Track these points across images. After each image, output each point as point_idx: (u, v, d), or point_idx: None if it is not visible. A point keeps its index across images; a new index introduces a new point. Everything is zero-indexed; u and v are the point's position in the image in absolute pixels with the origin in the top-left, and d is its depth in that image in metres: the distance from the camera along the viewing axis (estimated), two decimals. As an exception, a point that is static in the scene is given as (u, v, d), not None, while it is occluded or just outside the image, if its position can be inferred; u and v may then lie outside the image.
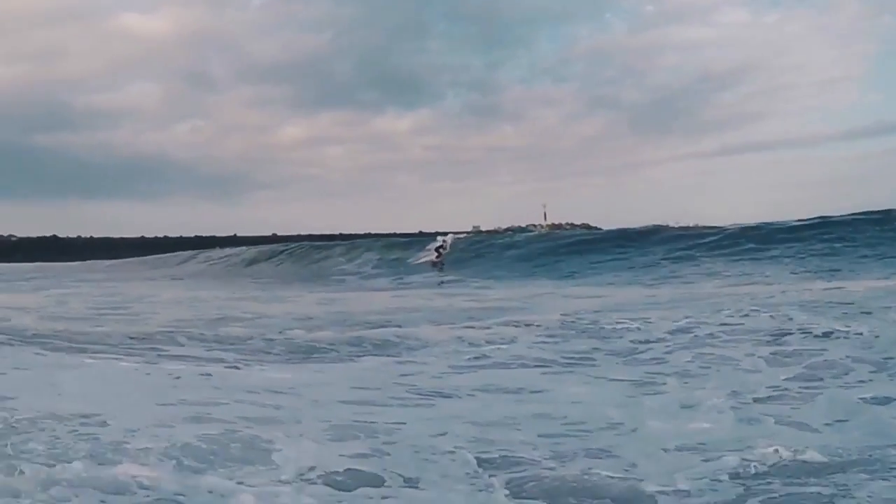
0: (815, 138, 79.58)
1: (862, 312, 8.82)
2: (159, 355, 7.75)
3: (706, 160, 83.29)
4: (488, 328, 9.34)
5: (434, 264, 25.60)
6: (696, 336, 7.93)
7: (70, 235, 41.29)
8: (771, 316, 8.98)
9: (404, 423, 4.48)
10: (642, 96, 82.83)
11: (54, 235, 33.12)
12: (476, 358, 7.32)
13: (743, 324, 8.55)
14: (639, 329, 8.60)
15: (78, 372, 6.53)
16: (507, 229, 42.56)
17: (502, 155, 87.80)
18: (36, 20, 78.37)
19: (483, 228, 44.31)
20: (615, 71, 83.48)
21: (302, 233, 30.65)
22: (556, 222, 42.25)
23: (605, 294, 14.62)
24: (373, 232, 29.54)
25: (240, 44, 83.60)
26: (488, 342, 8.18)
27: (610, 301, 12.91)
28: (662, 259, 20.06)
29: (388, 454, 3.80)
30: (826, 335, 7.49)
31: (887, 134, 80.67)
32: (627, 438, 4.09)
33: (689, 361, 6.61)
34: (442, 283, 21.19)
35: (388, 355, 7.71)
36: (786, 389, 5.35)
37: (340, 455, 3.73)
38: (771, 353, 6.78)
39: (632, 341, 7.90)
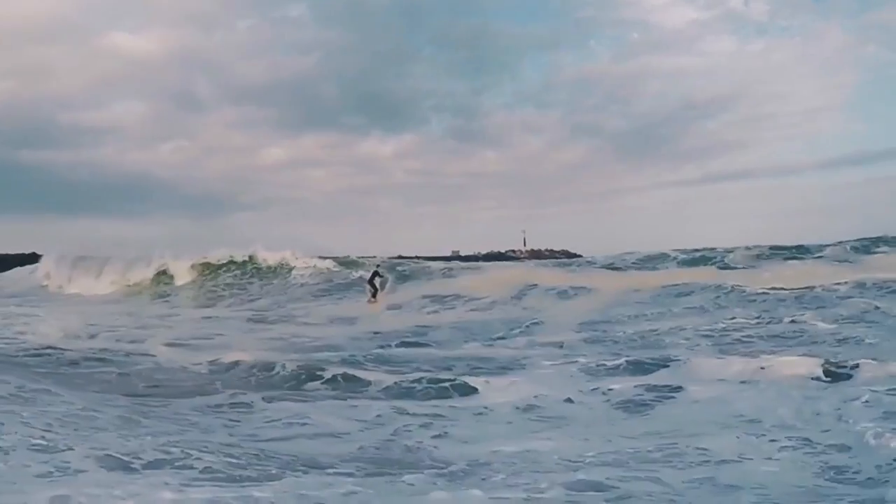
0: (796, 167, 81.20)
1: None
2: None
3: (688, 188, 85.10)
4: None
5: (370, 302, 20.22)
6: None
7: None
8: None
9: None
10: (625, 124, 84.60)
11: (33, 252, 32.55)
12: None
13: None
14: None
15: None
16: (487, 255, 43.43)
17: (485, 180, 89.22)
18: (25, 37, 78.21)
19: (462, 253, 45.14)
20: (598, 98, 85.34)
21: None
22: (536, 248, 43.28)
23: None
24: (352, 256, 28.17)
25: (226, 65, 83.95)
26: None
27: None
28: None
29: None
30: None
31: (868, 164, 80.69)
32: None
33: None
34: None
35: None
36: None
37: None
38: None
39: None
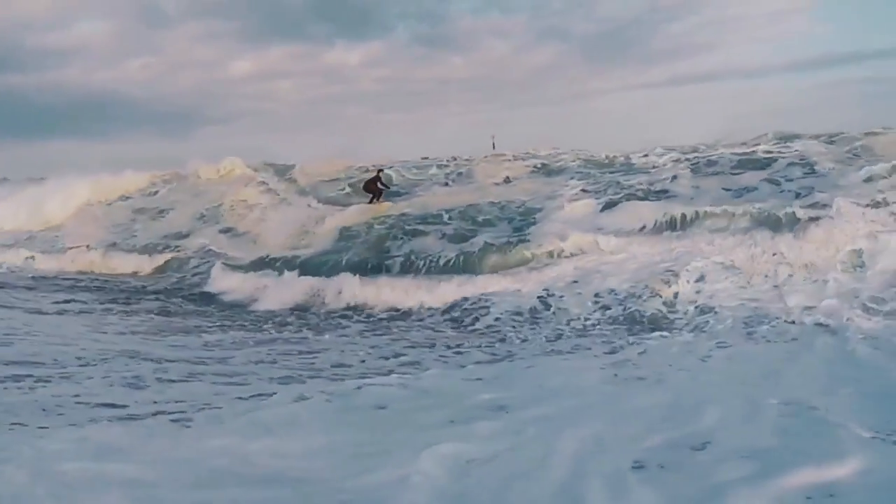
0: (764, 69, 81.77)
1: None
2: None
3: (656, 90, 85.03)
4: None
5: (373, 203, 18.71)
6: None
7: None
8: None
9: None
10: (591, 27, 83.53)
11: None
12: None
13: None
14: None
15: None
16: (457, 160, 42.82)
17: (452, 86, 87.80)
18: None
19: (432, 159, 44.37)
20: (563, 2, 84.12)
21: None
22: (505, 153, 42.76)
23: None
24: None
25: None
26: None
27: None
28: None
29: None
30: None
31: (836, 66, 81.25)
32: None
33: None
34: None
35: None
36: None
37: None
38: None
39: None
